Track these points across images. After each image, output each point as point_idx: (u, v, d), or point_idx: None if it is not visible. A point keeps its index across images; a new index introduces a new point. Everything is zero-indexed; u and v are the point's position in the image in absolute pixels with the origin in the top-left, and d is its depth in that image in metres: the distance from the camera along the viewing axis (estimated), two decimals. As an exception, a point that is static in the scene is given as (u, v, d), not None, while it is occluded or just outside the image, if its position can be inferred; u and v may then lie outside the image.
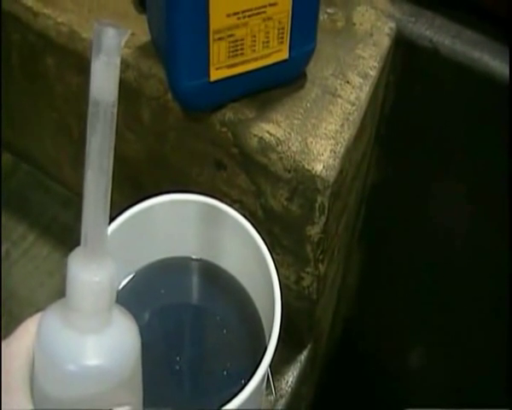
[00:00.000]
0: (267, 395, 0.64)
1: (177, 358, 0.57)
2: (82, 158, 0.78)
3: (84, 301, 0.38)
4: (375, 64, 0.64)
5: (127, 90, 0.64)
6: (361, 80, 0.63)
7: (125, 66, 0.63)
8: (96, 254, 0.38)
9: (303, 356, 0.75)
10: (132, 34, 0.64)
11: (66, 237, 0.78)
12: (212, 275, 0.62)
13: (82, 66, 0.66)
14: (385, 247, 0.87)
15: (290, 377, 0.74)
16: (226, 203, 0.59)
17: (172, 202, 0.59)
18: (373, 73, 0.64)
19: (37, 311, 0.75)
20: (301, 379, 0.74)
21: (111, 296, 0.39)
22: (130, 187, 0.74)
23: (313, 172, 0.58)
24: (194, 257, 0.62)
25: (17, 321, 0.44)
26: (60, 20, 0.66)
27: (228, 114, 0.61)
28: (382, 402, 1.03)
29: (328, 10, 0.68)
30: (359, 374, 1.02)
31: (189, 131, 0.64)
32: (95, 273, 0.38)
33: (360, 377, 1.02)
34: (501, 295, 0.80)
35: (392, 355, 0.96)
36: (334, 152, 0.58)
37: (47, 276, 0.77)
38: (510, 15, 0.66)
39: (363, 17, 0.68)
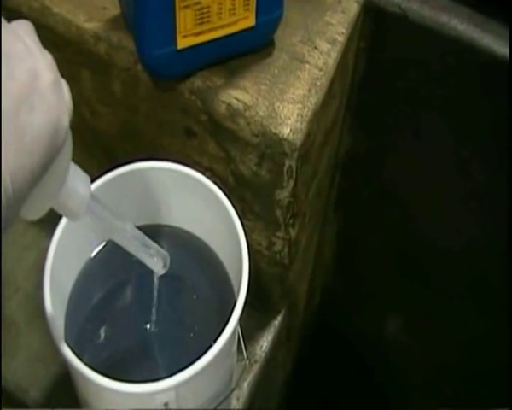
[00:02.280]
0: (240, 360, 0.64)
1: (147, 324, 0.58)
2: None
3: None
4: (343, 30, 0.65)
5: (98, 63, 0.65)
6: (329, 46, 0.63)
7: (95, 38, 0.63)
8: None
9: (277, 322, 0.76)
10: (103, 8, 0.65)
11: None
12: (184, 241, 0.62)
13: (54, 40, 0.66)
14: (361, 216, 0.88)
15: (264, 342, 0.74)
16: (198, 171, 0.59)
17: (142, 170, 0.60)
18: (341, 38, 0.64)
19: (15, 286, 0.76)
20: (276, 345, 0.75)
21: None
22: (105, 160, 0.74)
23: (280, 135, 0.58)
24: (165, 224, 0.62)
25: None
26: (31, -5, 0.66)
27: (196, 82, 0.61)
28: (361, 370, 1.03)
29: (297, -21, 0.68)
30: (338, 344, 1.03)
31: (159, 100, 0.64)
32: None
33: (339, 347, 1.03)
34: (479, 263, 0.81)
35: (370, 323, 0.97)
36: (301, 116, 0.59)
37: (23, 251, 0.78)
38: (477, -21, 0.67)
39: (332, -15, 0.68)
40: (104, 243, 0.60)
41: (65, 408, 0.65)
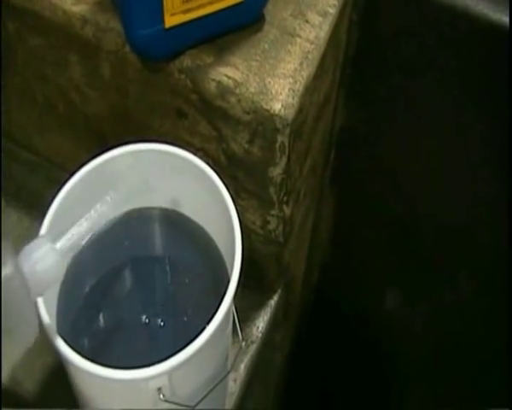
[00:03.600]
0: (236, 342, 0.64)
1: (140, 310, 0.58)
2: (48, 122, 0.78)
3: None
4: (335, 2, 0.63)
5: (86, 47, 0.64)
6: (320, 19, 0.62)
7: (82, 21, 0.62)
8: None
9: (273, 301, 0.75)
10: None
11: (35, 202, 0.77)
12: (177, 223, 0.61)
13: (41, 26, 0.65)
14: (357, 191, 0.87)
15: (261, 322, 0.73)
16: (189, 152, 0.58)
17: (133, 153, 0.59)
18: (333, 10, 0.63)
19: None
20: (273, 326, 0.74)
21: None
22: (97, 145, 0.73)
23: (272, 111, 0.57)
24: (157, 206, 0.61)
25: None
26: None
27: (186, 60, 0.60)
28: (360, 347, 1.03)
29: (286, -48, 0.67)
30: (337, 321, 1.02)
31: (148, 82, 0.63)
32: None
33: (338, 324, 1.02)
34: (479, 237, 0.80)
35: (369, 300, 0.97)
36: (293, 91, 0.58)
37: (17, 242, 0.76)
38: None
39: (322, -44, 0.67)
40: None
41: (61, 404, 0.64)
